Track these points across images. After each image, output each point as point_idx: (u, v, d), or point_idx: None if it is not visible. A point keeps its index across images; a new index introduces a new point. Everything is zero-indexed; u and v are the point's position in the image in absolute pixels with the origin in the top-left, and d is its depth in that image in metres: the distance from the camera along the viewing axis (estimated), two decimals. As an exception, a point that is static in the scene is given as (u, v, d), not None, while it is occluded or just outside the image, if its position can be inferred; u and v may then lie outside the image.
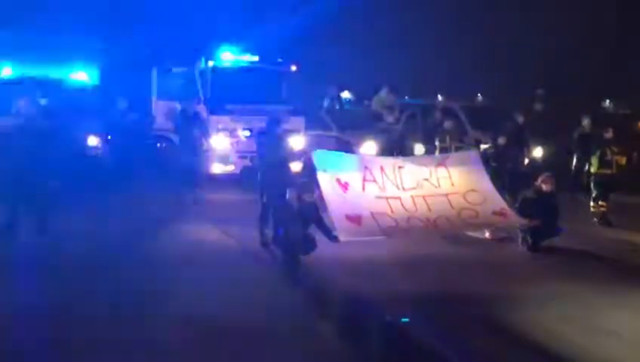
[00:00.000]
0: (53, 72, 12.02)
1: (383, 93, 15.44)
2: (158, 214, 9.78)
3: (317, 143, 12.34)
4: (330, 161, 8.07)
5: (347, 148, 12.82)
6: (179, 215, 9.94)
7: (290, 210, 7.11)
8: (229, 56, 12.58)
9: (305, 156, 8.34)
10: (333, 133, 13.81)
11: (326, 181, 7.80)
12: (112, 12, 15.01)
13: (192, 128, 10.84)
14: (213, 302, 6.08)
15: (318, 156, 8.04)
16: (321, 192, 7.61)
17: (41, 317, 5.50)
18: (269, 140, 8.08)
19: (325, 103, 14.80)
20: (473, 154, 9.40)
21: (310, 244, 7.05)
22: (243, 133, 12.21)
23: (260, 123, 12.37)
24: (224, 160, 12.26)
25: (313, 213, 7.23)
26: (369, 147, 12.91)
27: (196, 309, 5.89)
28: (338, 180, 7.90)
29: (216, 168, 12.19)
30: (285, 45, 13.27)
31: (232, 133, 12.27)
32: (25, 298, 5.95)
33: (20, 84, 10.99)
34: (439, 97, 17.06)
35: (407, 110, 15.14)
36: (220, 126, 12.06)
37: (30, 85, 10.75)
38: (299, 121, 12.89)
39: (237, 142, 12.30)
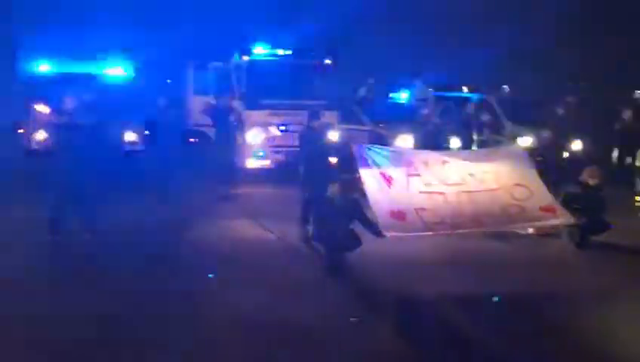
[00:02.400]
0: (91, 68, 12.05)
1: (418, 85, 15.25)
2: (196, 210, 9.77)
3: (350, 137, 12.24)
4: (374, 154, 7.92)
5: (381, 142, 12.63)
6: (217, 210, 9.92)
7: (333, 205, 6.99)
8: (263, 51, 12.48)
9: (347, 150, 8.19)
10: (367, 127, 13.64)
11: (369, 176, 7.65)
12: (149, 7, 15.01)
13: (227, 123, 10.78)
14: (259, 301, 6.02)
15: (361, 150, 7.90)
16: (364, 188, 7.47)
17: (89, 316, 5.50)
18: (310, 134, 7.97)
19: (358, 97, 14.62)
20: (518, 148, 9.18)
21: (354, 241, 6.93)
22: (277, 128, 12.10)
23: (295, 117, 12.45)
24: (258, 154, 12.19)
25: (357, 209, 7.11)
26: (404, 141, 12.71)
27: (242, 308, 5.84)
28: (382, 174, 7.73)
29: (251, 163, 12.14)
30: (319, 39, 13.10)
31: (266, 127, 12.18)
32: (70, 296, 5.96)
33: (61, 80, 11.05)
34: (464, 89, 16.81)
35: (441, 103, 14.91)
36: (254, 121, 11.97)
37: (72, 81, 10.80)
38: (333, 115, 12.75)
39: (271, 136, 12.21)
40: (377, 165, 7.82)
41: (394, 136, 12.81)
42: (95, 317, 5.45)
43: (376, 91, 14.81)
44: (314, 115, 8.18)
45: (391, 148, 8.69)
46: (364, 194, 7.50)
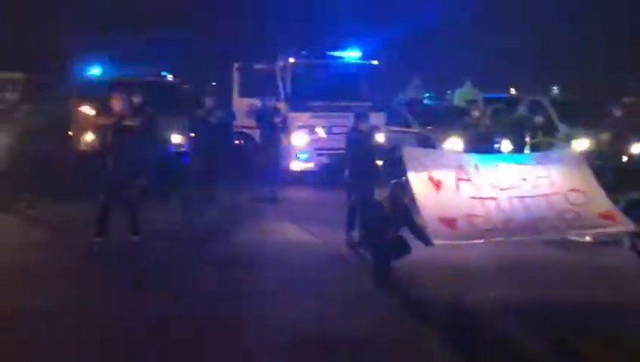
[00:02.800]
0: (140, 72, 12.16)
1: (466, 86, 14.86)
2: (240, 212, 9.70)
3: (396, 140, 12.00)
4: (422, 158, 7.65)
5: (428, 144, 12.38)
6: (261, 213, 9.83)
7: (381, 211, 6.77)
8: (309, 53, 12.35)
9: (395, 153, 7.96)
10: (414, 129, 13.35)
11: (418, 180, 7.38)
12: (196, 9, 15.10)
13: (272, 125, 10.68)
14: (306, 309, 5.86)
15: (409, 153, 7.65)
16: (412, 193, 7.21)
17: (132, 319, 5.45)
18: (356, 137, 7.76)
19: (405, 98, 14.36)
20: (573, 151, 8.76)
21: (403, 248, 6.69)
22: (323, 130, 11.94)
23: (340, 119, 12.28)
24: (303, 157, 12.06)
25: (406, 215, 6.85)
26: (453, 143, 12.37)
27: (288, 313, 5.70)
28: (431, 178, 7.45)
29: (296, 165, 12.01)
30: (365, 40, 12.89)
31: (311, 130, 12.04)
32: (120, 297, 5.93)
33: (110, 83, 11.18)
34: (512, 91, 16.31)
35: (490, 104, 14.48)
36: (299, 123, 11.85)
37: (120, 84, 10.92)
38: (379, 117, 12.53)
39: (316, 139, 12.06)
40: (426, 169, 7.55)
41: (442, 139, 12.49)
42: (146, 319, 5.41)
43: (423, 92, 14.49)
44: (361, 116, 7.97)
45: (440, 151, 8.40)
46: (412, 200, 7.26)
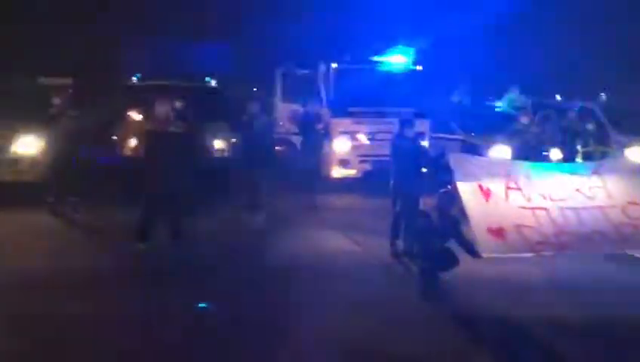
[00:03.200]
0: (182, 77, 12.19)
1: (514, 93, 14.46)
2: (283, 220, 9.58)
3: (441, 147, 11.72)
4: (471, 165, 7.38)
5: (474, 152, 12.02)
6: (302, 220, 9.68)
7: (428, 221, 6.54)
8: (351, 58, 12.18)
9: (442, 161, 7.71)
10: (459, 136, 13.03)
11: (467, 189, 7.10)
12: (236, 13, 15.12)
13: (314, 131, 10.54)
14: (350, 319, 5.69)
15: (457, 161, 7.39)
16: (461, 203, 6.96)
17: (183, 327, 5.37)
18: (401, 144, 7.55)
19: (449, 104, 14.04)
20: (630, 160, 8.34)
21: (451, 260, 6.44)
22: (365, 137, 11.75)
23: (383, 125, 12.08)
24: (345, 163, 11.88)
25: (454, 226, 6.61)
26: (500, 151, 12.02)
27: (333, 326, 5.54)
28: (480, 187, 7.17)
29: (337, 172, 11.84)
30: (409, 45, 12.64)
31: (353, 136, 11.86)
32: (156, 305, 5.87)
33: (155, 90, 11.26)
34: (557, 97, 15.81)
35: (539, 111, 14.04)
36: (341, 129, 11.67)
37: (164, 90, 10.98)
38: (424, 124, 12.27)
39: (358, 145, 11.87)
40: (474, 177, 7.29)
41: (488, 146, 12.15)
42: (187, 328, 5.32)
43: (468, 98, 14.15)
44: (406, 123, 7.76)
45: (488, 159, 8.10)
46: (461, 210, 7.01)
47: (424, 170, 7.75)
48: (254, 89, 14.45)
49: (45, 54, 13.90)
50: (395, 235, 7.63)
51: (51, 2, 14.63)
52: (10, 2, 14.73)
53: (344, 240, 8.50)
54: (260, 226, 8.98)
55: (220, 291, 6.32)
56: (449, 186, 7.06)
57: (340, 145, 11.74)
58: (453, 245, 6.64)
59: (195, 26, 14.25)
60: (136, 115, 10.63)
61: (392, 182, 7.62)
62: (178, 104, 7.63)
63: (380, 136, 11.89)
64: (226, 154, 11.53)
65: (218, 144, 11.27)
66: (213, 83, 12.51)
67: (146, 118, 7.14)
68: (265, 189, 10.14)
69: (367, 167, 11.97)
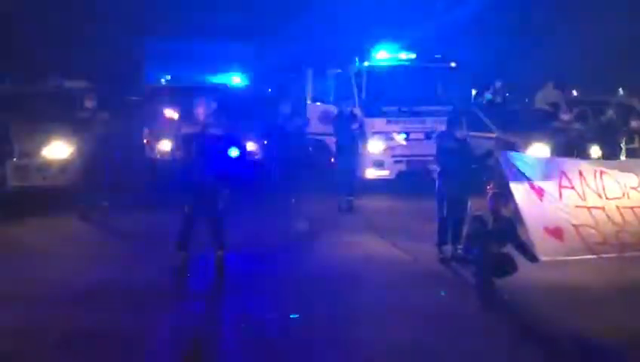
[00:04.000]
0: (212, 79, 11.98)
1: (547, 88, 14.03)
2: (318, 222, 9.28)
3: (477, 146, 11.37)
4: (521, 164, 7.02)
5: (510, 150, 11.66)
6: (340, 223, 9.38)
7: (484, 225, 6.19)
8: (384, 55, 11.84)
9: (492, 160, 7.37)
10: (494, 134, 12.63)
11: (520, 189, 6.77)
12: (266, 14, 14.86)
13: (348, 131, 10.21)
14: (404, 329, 5.40)
15: (508, 159, 7.04)
16: (515, 203, 6.61)
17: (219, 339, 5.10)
18: (449, 144, 7.21)
19: (484, 101, 13.63)
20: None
21: (510, 266, 6.09)
22: (399, 136, 11.41)
23: (418, 125, 11.73)
24: (379, 164, 11.54)
25: (510, 229, 6.26)
26: (538, 149, 11.60)
27: (384, 339, 5.23)
28: (532, 186, 6.82)
29: (370, 173, 11.50)
30: (443, 40, 12.31)
31: (387, 135, 11.52)
32: (194, 313, 5.61)
33: (184, 91, 11.06)
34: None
35: (574, 107, 13.59)
36: (374, 129, 11.34)
37: (194, 92, 10.76)
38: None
39: (392, 145, 11.54)
40: (526, 176, 6.94)
41: (526, 145, 11.72)
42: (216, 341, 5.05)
43: (502, 95, 13.73)
44: (454, 122, 7.41)
45: (539, 157, 7.73)
46: (514, 211, 6.66)
47: (473, 169, 7.39)
48: (268, 90, 14.10)
49: (70, 56, 13.73)
50: (442, 240, 7.29)
51: (76, 4, 14.50)
52: (37, 5, 14.62)
53: (386, 246, 8.15)
54: (298, 229, 8.70)
55: (269, 300, 6.04)
56: (503, 187, 6.72)
57: (374, 146, 11.41)
58: (509, 249, 6.31)
59: (222, 25, 13.98)
60: (168, 117, 10.39)
61: (437, 184, 7.27)
62: (214, 105, 7.34)
63: (414, 135, 11.58)
64: (256, 156, 11.31)
65: (249, 146, 11.02)
66: (241, 83, 12.25)
67: (182, 120, 6.86)
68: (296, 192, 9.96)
69: (402, 167, 11.64)
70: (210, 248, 6.77)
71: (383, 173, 11.61)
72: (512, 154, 7.30)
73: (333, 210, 10.02)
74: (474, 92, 13.71)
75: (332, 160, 12.09)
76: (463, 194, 7.15)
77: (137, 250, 7.68)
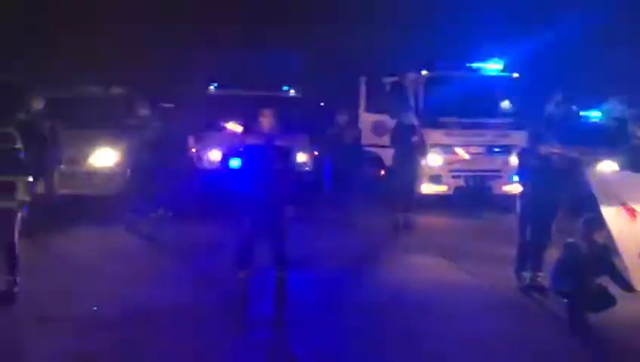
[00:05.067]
0: (258, 86, 11.52)
1: (612, 103, 13.24)
2: (377, 241, 8.74)
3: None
4: (611, 182, 6.37)
5: (575, 167, 10.96)
6: (400, 243, 8.80)
7: (578, 253, 5.55)
8: (442, 65, 11.27)
9: (578, 178, 6.74)
10: (556, 150, 11.89)
11: (611, 212, 6.11)
12: (316, 21, 14.39)
13: (408, 143, 9.63)
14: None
15: (597, 178, 6.40)
16: (607, 228, 5.96)
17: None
18: (532, 161, 6.58)
19: (544, 115, 12.93)
20: None
21: (607, 299, 5.45)
22: (459, 150, 10.80)
23: (478, 138, 11.11)
24: (436, 179, 10.94)
25: (606, 256, 5.62)
26: (607, 166, 10.85)
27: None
28: (625, 207, 6.16)
29: (427, 188, 10.89)
30: (503, 50, 11.65)
31: (445, 149, 10.92)
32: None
33: (235, 100, 10.70)
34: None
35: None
36: (432, 141, 10.74)
37: (244, 101, 10.39)
38: (521, 136, 11.25)
39: (450, 159, 10.93)
40: (616, 196, 6.25)
41: (593, 162, 11.00)
42: None
43: (564, 109, 12.99)
44: (536, 136, 6.81)
45: (630, 173, 7.05)
46: (607, 236, 6.01)
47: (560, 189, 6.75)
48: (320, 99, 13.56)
49: (118, 63, 13.46)
50: (522, 266, 6.65)
51: (123, 10, 14.26)
52: (83, 12, 14.44)
53: (453, 269, 7.53)
54: (352, 249, 8.15)
55: (335, 331, 5.49)
56: (594, 209, 6.07)
57: (431, 159, 10.81)
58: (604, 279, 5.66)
59: (270, 33, 13.58)
60: (230, 128, 9.92)
61: (520, 205, 6.64)
62: (275, 115, 6.85)
63: (474, 149, 10.97)
64: (307, 168, 10.82)
65: (300, 157, 10.53)
66: (292, 92, 11.77)
67: (247, 131, 6.40)
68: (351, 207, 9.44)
69: (461, 183, 11.02)
70: (271, 267, 6.25)
71: (440, 189, 11.00)
72: (602, 172, 6.68)
73: (392, 228, 9.44)
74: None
75: (382, 173, 11.62)
76: (548, 217, 6.51)
77: (191, 266, 7.20)
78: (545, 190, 6.37)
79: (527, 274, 6.63)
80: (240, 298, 5.92)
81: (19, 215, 5.71)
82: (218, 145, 10.19)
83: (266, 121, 5.91)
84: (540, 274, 6.59)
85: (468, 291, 6.73)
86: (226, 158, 10.32)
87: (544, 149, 6.57)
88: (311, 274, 6.98)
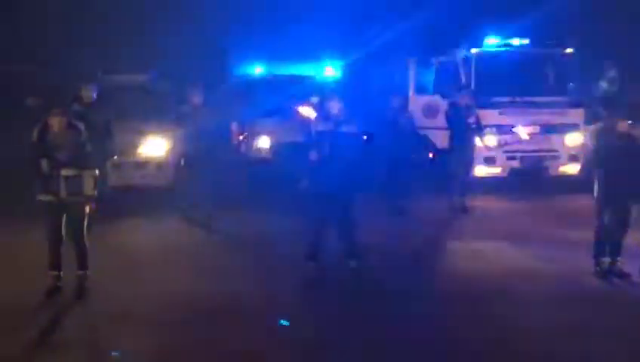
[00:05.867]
0: (304, 70, 11.27)
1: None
2: (433, 226, 8.53)
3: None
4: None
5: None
6: (458, 227, 8.55)
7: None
8: (494, 41, 10.86)
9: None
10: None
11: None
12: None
13: (464, 125, 9.30)
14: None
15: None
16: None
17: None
18: (611, 140, 6.22)
19: (599, 92, 12.45)
20: None
21: None
22: (516, 130, 10.42)
23: (532, 117, 10.72)
24: (490, 161, 10.60)
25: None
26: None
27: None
28: None
29: (480, 170, 10.56)
30: (559, 24, 11.19)
31: (499, 129, 10.56)
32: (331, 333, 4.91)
33: (275, 83, 10.43)
34: None
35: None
36: (485, 121, 10.36)
37: (286, 83, 10.14)
38: (577, 114, 10.86)
39: (504, 140, 10.57)
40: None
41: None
42: None
43: (618, 85, 12.49)
44: (614, 112, 6.46)
45: None
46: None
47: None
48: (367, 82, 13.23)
49: (156, 50, 13.30)
50: (600, 251, 6.34)
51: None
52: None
53: (522, 255, 7.22)
54: (412, 235, 7.93)
55: (417, 324, 5.29)
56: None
57: (485, 141, 10.45)
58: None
59: (309, 9, 13.21)
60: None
61: (598, 187, 6.31)
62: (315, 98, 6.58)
63: (529, 128, 10.58)
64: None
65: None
66: (336, 74, 11.49)
67: (318, 115, 6.16)
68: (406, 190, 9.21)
69: (515, 164, 10.68)
70: (343, 255, 6.06)
71: (494, 171, 10.67)
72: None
73: (444, 212, 9.19)
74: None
75: (431, 156, 11.31)
76: (630, 200, 6.18)
77: (251, 258, 7.02)
78: (629, 171, 6.03)
79: (606, 260, 6.33)
80: (309, 289, 5.75)
81: (87, 209, 5.59)
82: (269, 132, 9.99)
83: (335, 105, 5.68)
84: (619, 259, 6.30)
85: (543, 279, 6.44)
86: (279, 146, 10.10)
87: (622, 126, 6.20)
88: (376, 263, 6.76)
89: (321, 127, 5.79)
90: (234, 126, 10.49)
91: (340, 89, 10.88)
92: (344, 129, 5.72)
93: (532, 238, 7.78)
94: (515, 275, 6.52)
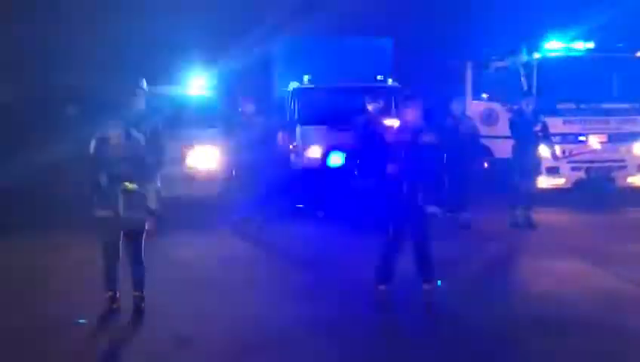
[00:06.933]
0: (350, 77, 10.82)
1: None
2: (498, 242, 7.98)
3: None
4: None
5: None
6: (526, 244, 8.00)
7: None
8: (557, 45, 10.29)
9: None
10: None
11: None
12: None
13: (530, 134, 8.74)
14: None
15: None
16: None
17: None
18: None
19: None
20: None
21: None
22: (583, 139, 9.83)
23: (600, 125, 10.11)
24: (553, 171, 10.00)
25: None
26: None
27: None
28: None
29: (543, 181, 9.95)
30: (622, 26, 10.57)
31: (563, 138, 9.97)
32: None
33: (331, 93, 10.06)
34: None
35: None
36: (550, 130, 9.80)
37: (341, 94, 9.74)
38: (646, 122, 10.23)
39: (569, 149, 9.96)
40: None
41: None
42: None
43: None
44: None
45: None
46: None
47: None
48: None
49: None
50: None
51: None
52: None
53: (606, 275, 6.60)
54: (484, 253, 7.41)
55: (496, 348, 4.79)
56: None
57: (548, 150, 9.87)
58: None
59: (357, 18, 12.83)
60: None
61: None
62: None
63: (596, 137, 9.97)
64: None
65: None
66: (390, 81, 10.98)
67: (389, 126, 5.77)
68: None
69: (581, 175, 10.08)
70: (418, 277, 5.59)
71: (558, 182, 10.08)
72: None
73: (513, 226, 8.64)
74: None
75: (486, 165, 10.77)
76: None
77: (313, 275, 6.59)
78: None
79: None
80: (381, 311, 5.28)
81: (147, 225, 5.25)
82: (320, 141, 9.57)
83: (412, 114, 5.24)
84: None
85: (634, 302, 5.87)
86: (330, 156, 9.65)
87: None
88: (445, 284, 6.26)
89: (396, 138, 5.34)
90: (279, 135, 10.16)
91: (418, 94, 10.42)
92: (424, 139, 5.25)
93: (614, 256, 7.17)
94: (600, 299, 5.93)
